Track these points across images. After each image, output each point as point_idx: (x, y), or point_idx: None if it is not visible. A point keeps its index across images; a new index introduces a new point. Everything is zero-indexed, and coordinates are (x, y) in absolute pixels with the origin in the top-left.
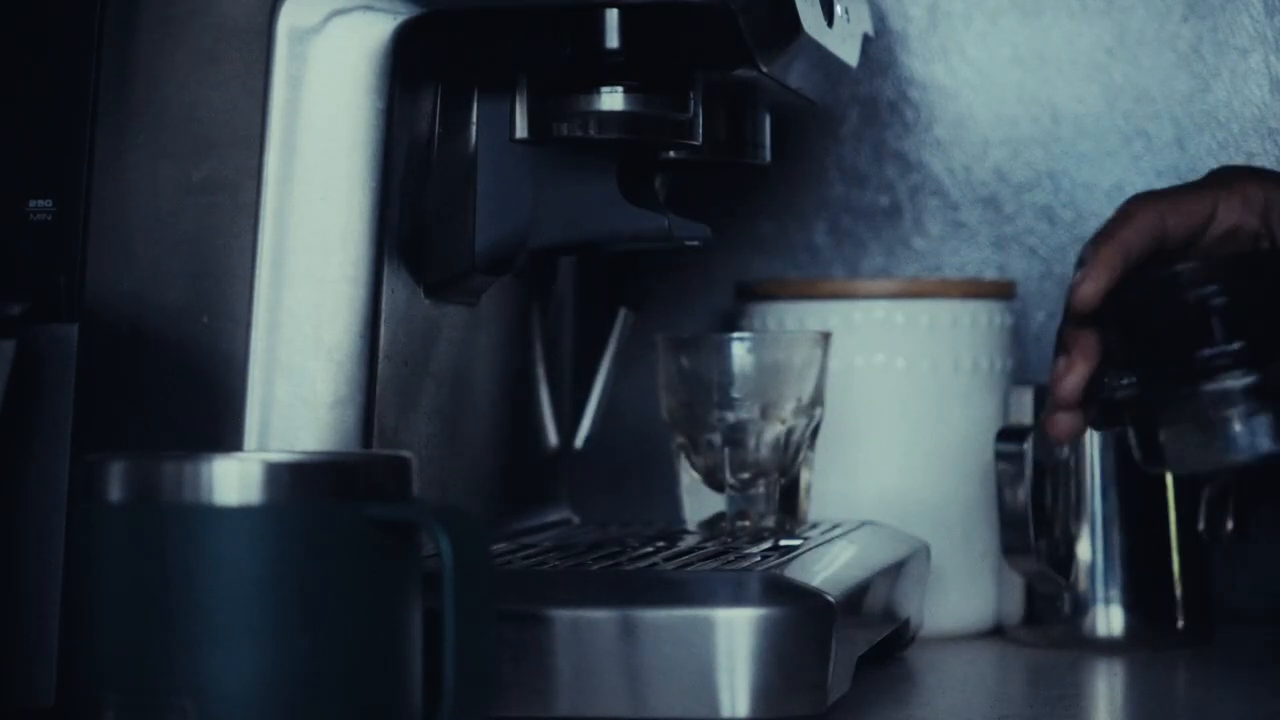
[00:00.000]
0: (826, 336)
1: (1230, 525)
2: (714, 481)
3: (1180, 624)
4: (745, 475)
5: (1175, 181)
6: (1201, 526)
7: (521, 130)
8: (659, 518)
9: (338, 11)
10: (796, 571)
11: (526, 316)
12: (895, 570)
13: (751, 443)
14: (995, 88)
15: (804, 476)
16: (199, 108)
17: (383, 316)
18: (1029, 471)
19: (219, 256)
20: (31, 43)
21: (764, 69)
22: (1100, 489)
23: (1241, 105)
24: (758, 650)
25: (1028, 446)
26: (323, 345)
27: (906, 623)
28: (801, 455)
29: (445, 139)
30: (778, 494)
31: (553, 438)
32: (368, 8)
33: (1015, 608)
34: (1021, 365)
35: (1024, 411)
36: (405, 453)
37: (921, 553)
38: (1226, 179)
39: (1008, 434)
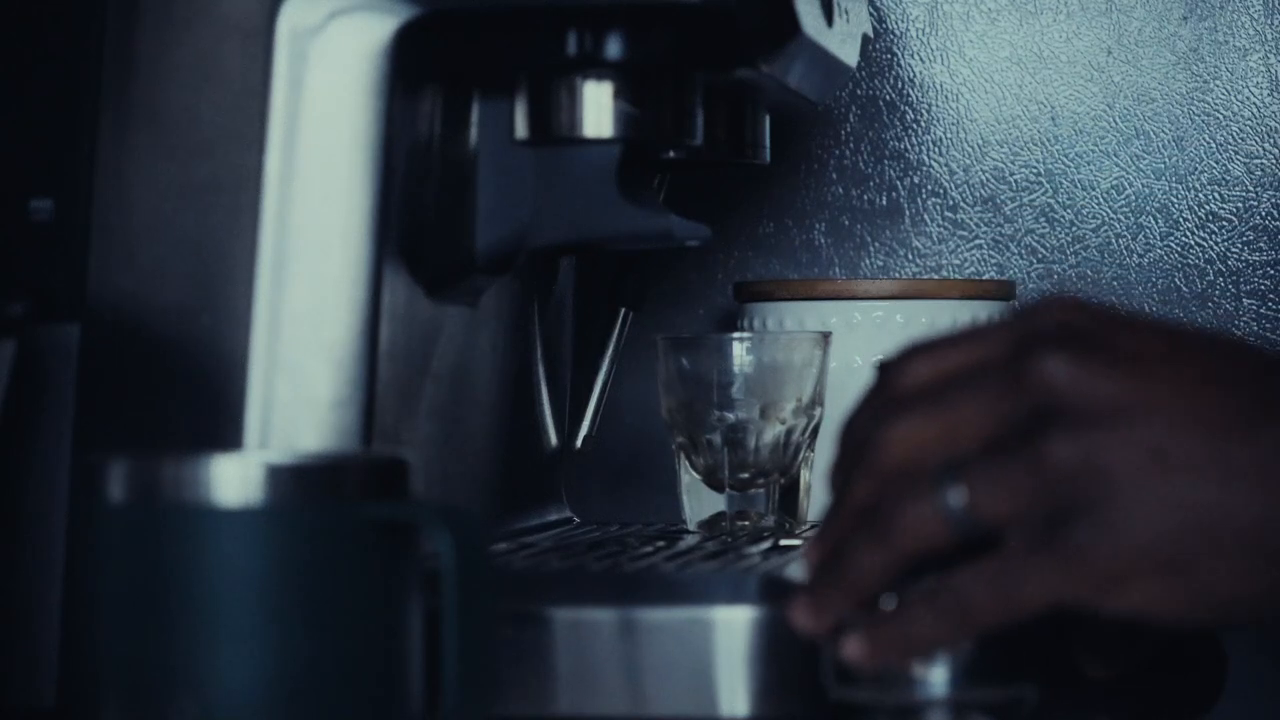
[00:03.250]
0: (826, 336)
1: None
2: (714, 481)
3: None
4: (745, 475)
5: (1173, 183)
6: None
7: (521, 130)
8: (659, 518)
9: (338, 12)
10: (797, 571)
11: (526, 316)
12: None
13: (751, 443)
14: (994, 88)
15: (804, 476)
16: (199, 108)
17: (383, 316)
18: None
19: (219, 256)
20: (32, 43)
21: (763, 69)
22: None
23: (1241, 105)
24: (757, 650)
25: None
26: (323, 345)
27: None
28: (801, 455)
29: (445, 139)
30: (778, 494)
31: (552, 437)
32: (368, 8)
33: None
34: None
35: None
36: (405, 453)
37: None
38: None
39: None
